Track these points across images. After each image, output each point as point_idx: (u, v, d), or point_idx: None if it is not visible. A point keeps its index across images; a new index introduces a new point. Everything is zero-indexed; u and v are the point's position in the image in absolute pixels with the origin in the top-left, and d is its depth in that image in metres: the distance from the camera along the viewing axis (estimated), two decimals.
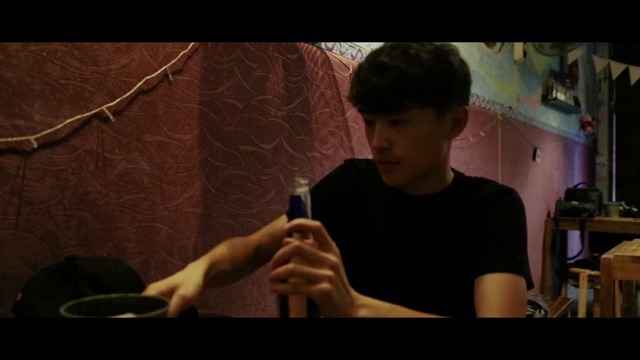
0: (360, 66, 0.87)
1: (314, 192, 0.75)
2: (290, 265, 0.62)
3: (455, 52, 0.87)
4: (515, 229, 0.87)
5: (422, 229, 0.94)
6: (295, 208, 0.65)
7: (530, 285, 0.86)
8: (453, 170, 0.99)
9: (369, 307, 0.69)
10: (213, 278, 0.85)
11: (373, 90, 0.82)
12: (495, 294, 0.80)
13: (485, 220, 0.88)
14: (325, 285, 0.62)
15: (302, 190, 0.65)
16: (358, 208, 0.99)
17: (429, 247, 0.92)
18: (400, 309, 0.73)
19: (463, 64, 0.88)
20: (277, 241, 0.94)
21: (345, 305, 0.65)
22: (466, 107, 0.90)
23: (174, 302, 0.72)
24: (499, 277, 0.81)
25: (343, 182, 1.03)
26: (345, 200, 1.01)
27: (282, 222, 1.00)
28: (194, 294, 0.75)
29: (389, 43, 0.87)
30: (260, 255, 0.97)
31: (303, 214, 0.65)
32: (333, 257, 0.64)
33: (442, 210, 0.93)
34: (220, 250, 0.91)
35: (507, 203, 0.90)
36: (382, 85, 0.81)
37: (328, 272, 0.63)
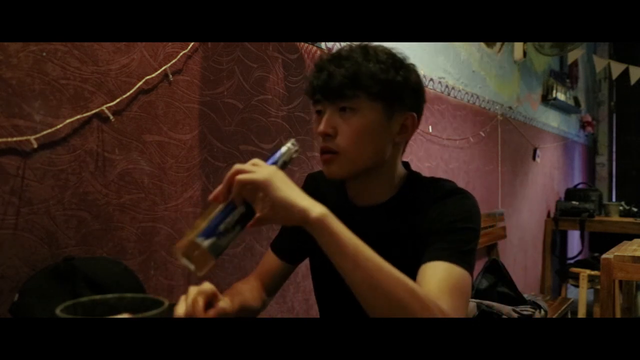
0: (320, 58, 0.92)
1: None
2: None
3: (412, 66, 0.92)
4: (462, 224, 0.86)
5: (372, 241, 0.93)
6: (274, 154, 0.79)
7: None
8: (411, 171, 0.98)
9: (327, 213, 0.72)
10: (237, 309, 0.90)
11: (329, 77, 0.87)
12: (434, 278, 0.79)
13: (432, 218, 0.88)
14: (249, 175, 0.70)
15: (286, 147, 0.79)
16: None
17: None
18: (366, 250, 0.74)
19: (418, 77, 0.93)
20: (274, 274, 1.05)
21: (284, 190, 0.71)
22: (415, 116, 0.92)
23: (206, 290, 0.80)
24: (439, 264, 0.81)
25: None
26: None
27: (269, 257, 1.07)
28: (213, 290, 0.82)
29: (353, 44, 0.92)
30: (269, 291, 1.05)
31: (276, 160, 0.78)
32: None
33: (390, 220, 0.93)
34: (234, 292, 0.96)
35: (456, 201, 0.89)
36: (338, 72, 0.86)
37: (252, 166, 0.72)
